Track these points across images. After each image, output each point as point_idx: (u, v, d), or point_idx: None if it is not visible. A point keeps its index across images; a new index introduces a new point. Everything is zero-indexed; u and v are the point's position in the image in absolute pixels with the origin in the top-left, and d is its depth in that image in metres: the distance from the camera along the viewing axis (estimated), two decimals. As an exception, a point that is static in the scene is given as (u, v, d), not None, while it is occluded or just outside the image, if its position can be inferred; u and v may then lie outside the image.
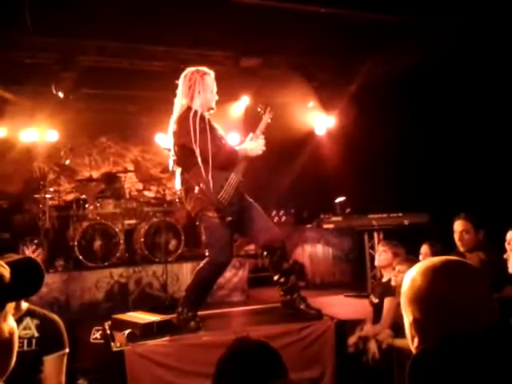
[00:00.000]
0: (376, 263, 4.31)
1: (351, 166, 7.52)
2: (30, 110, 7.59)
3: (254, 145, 3.38)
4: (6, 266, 0.89)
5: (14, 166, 8.15)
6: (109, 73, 7.14)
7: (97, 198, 7.11)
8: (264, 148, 3.41)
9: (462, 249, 3.65)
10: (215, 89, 3.38)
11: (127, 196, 7.59)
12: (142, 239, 6.66)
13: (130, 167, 9.26)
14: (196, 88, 3.27)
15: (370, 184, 7.07)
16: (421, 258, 3.76)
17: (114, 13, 5.01)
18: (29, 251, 6.00)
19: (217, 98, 3.39)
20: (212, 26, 5.67)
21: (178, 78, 3.42)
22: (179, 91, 3.36)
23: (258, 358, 1.52)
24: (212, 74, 3.40)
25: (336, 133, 8.28)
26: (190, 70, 3.38)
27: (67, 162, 7.35)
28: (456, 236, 3.69)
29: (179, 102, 3.35)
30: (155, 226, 6.80)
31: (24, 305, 2.58)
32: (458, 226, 3.70)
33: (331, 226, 6.90)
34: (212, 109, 3.38)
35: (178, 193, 7.22)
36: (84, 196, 7.08)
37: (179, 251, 6.81)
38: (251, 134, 3.45)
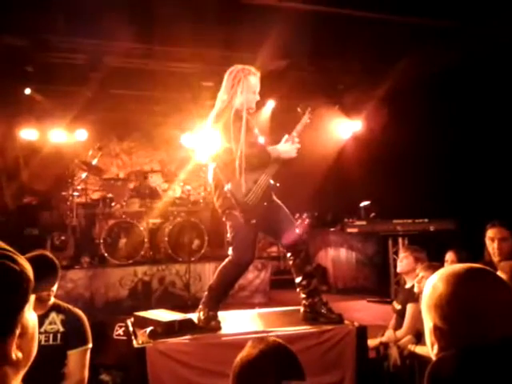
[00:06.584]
0: (398, 270, 4.24)
1: (377, 169, 7.44)
2: (60, 109, 7.75)
3: (288, 147, 3.30)
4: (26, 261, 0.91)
5: (43, 164, 8.32)
6: (136, 74, 7.25)
7: (130, 197, 7.23)
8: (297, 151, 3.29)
9: (498, 257, 3.41)
10: (258, 89, 3.32)
11: (160, 195, 7.70)
12: (166, 238, 6.73)
13: (156, 167, 9.37)
14: (239, 87, 3.23)
15: (396, 189, 6.99)
16: (446, 265, 3.67)
17: (142, 15, 5.09)
18: None
19: (258, 98, 3.33)
20: (239, 28, 5.69)
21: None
22: (223, 86, 3.33)
23: (273, 357, 1.52)
24: (258, 74, 3.33)
25: (362, 136, 8.20)
26: (236, 66, 3.32)
27: (95, 161, 7.49)
28: (493, 244, 3.46)
29: (220, 97, 3.32)
30: (179, 226, 6.87)
31: (50, 300, 2.64)
32: (495, 233, 3.47)
33: (355, 230, 6.85)
34: (252, 109, 3.32)
35: (208, 189, 7.24)
36: (110, 194, 7.21)
37: (202, 251, 6.86)
38: (287, 136, 3.37)
